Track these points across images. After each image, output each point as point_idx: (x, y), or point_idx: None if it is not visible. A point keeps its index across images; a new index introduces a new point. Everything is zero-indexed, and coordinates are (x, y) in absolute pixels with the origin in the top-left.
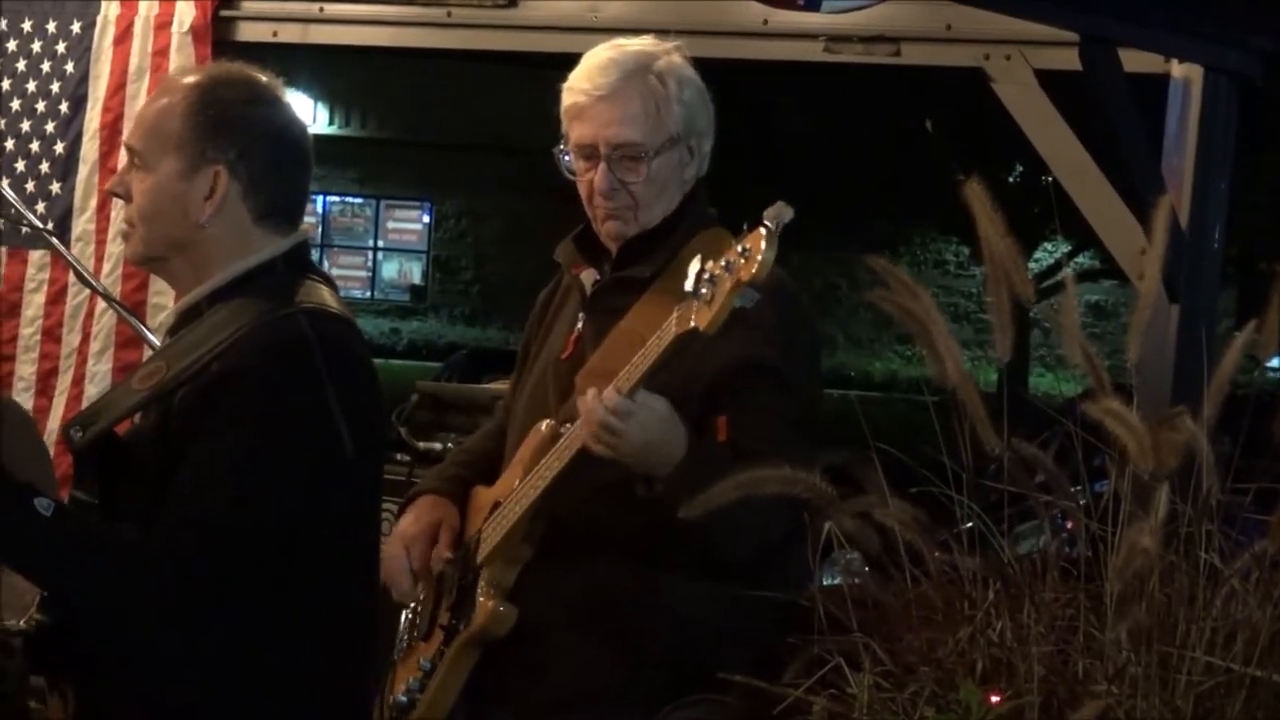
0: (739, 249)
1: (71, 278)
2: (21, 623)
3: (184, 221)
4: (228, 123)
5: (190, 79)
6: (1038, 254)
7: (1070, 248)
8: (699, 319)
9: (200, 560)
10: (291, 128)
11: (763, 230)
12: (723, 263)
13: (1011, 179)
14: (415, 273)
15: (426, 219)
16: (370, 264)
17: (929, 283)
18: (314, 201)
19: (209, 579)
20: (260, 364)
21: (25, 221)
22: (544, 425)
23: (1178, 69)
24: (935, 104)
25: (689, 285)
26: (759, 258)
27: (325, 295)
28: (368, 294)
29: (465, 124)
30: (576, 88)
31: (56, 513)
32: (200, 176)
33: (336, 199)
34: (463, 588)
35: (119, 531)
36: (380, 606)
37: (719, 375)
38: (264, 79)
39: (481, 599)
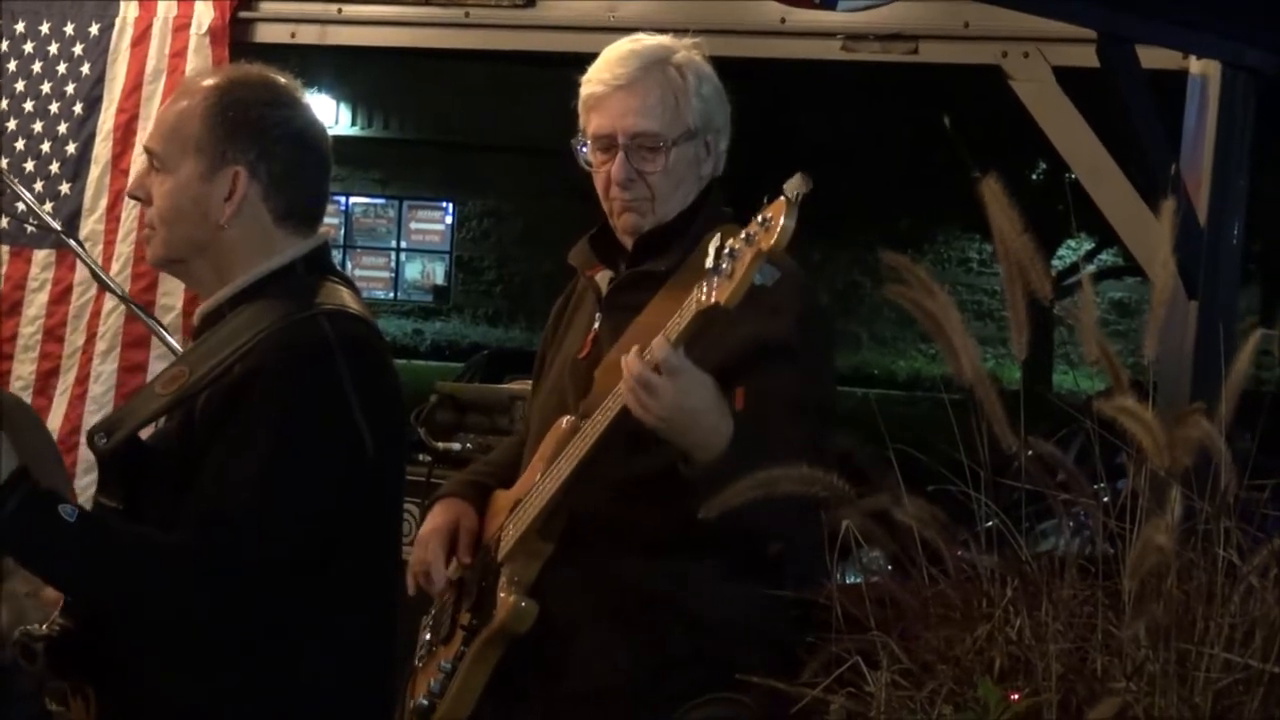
0: (759, 219)
1: (78, 277)
2: (44, 627)
3: (204, 223)
4: (247, 124)
5: (210, 81)
6: (1061, 251)
7: (1093, 245)
8: (719, 294)
9: (222, 558)
10: (311, 129)
11: (782, 200)
12: (743, 235)
13: (1035, 176)
14: (438, 273)
15: (449, 219)
16: (393, 265)
17: (952, 280)
18: (337, 203)
19: (231, 577)
20: (282, 365)
21: (40, 223)
22: (564, 420)
23: (1196, 65)
24: (959, 101)
25: (709, 262)
26: (779, 226)
27: (346, 297)
28: (391, 295)
29: (488, 125)
30: (595, 78)
31: (80, 519)
32: (220, 178)
33: (359, 200)
34: (483, 588)
35: (143, 534)
36: (401, 608)
37: (734, 355)
38: (283, 80)
39: (502, 595)
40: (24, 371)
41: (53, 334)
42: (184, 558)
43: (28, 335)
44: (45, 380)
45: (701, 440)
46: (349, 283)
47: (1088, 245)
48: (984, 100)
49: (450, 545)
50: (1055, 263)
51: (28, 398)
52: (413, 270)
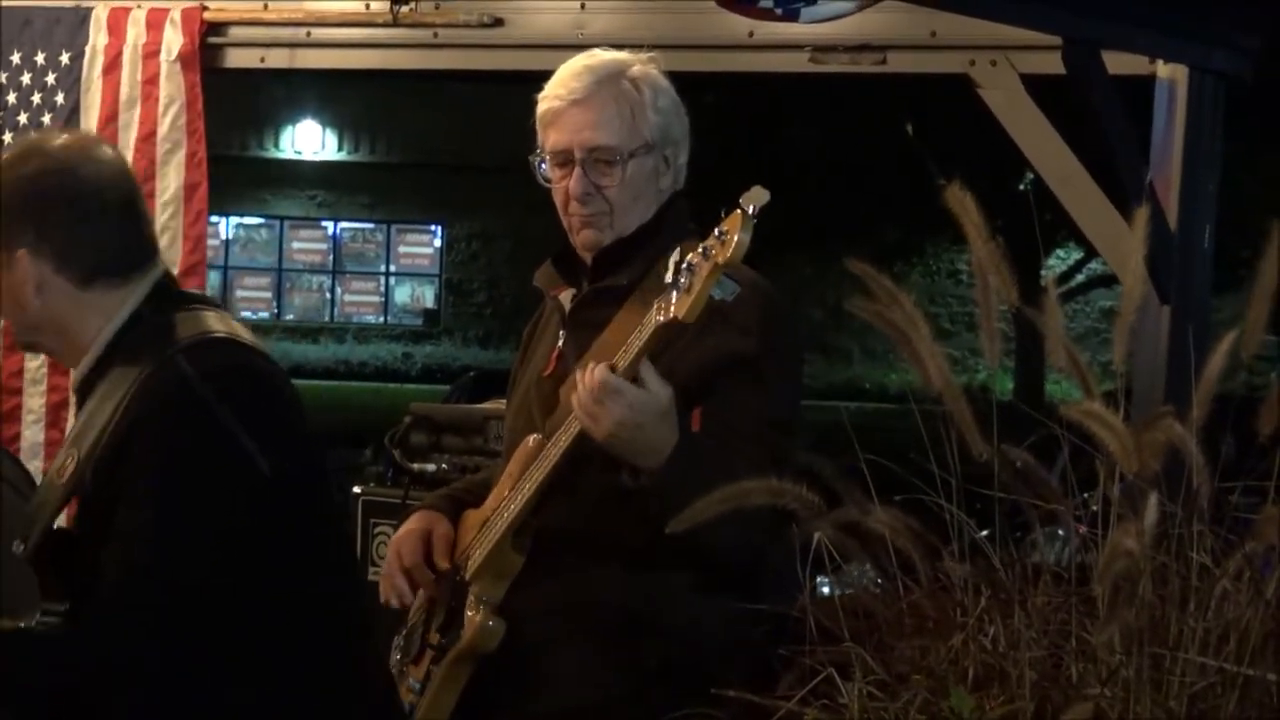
0: (716, 233)
1: None
2: None
3: (22, 309)
4: (18, 206)
5: None
6: (1051, 261)
7: (1083, 254)
8: (678, 309)
9: (147, 624)
10: (87, 188)
11: (738, 214)
12: (700, 250)
13: (1023, 186)
14: (428, 296)
15: (438, 242)
16: (383, 289)
17: (942, 292)
18: (325, 228)
19: (161, 638)
20: (146, 422)
21: None
22: (531, 439)
23: (1163, 69)
24: (943, 110)
25: (668, 277)
26: (735, 240)
27: (205, 320)
28: (380, 319)
29: (474, 146)
30: (551, 94)
31: None
32: (15, 266)
33: (347, 225)
34: (451, 607)
35: (41, 632)
36: (364, 606)
37: (698, 370)
38: (57, 143)
39: (470, 614)
40: (34, 405)
41: (58, 366)
42: (85, 645)
43: (34, 369)
44: (55, 413)
45: (640, 454)
46: (208, 301)
47: (1077, 254)
48: (968, 108)
49: (426, 549)
50: (1044, 272)
51: (40, 430)
52: (402, 294)
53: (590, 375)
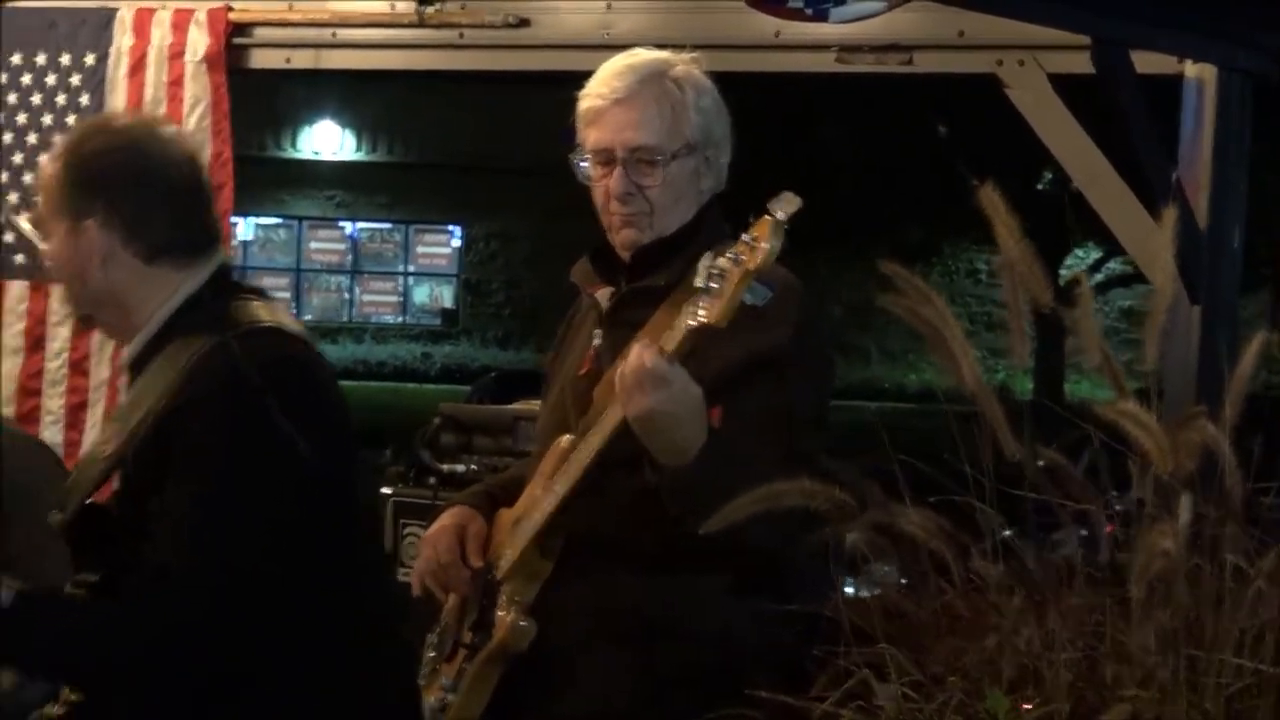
0: (746, 239)
1: None
2: (58, 708)
3: (84, 281)
4: (89, 179)
5: (63, 141)
6: (1070, 260)
7: (1102, 253)
8: (709, 313)
9: (177, 614)
10: (155, 164)
11: (768, 220)
12: (730, 255)
13: (1041, 186)
14: (446, 296)
15: (456, 242)
16: (401, 289)
17: (962, 292)
18: (343, 228)
19: (214, 619)
20: (201, 401)
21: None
22: (564, 439)
23: (1191, 69)
24: (965, 110)
25: (699, 281)
26: (764, 246)
27: (256, 310)
28: (399, 319)
29: (493, 147)
30: (593, 92)
31: (18, 602)
32: (82, 236)
33: (366, 225)
34: (484, 607)
35: (92, 606)
36: (393, 608)
37: (726, 366)
38: (125, 122)
39: (501, 614)
40: (53, 406)
41: (78, 367)
42: (143, 616)
43: (54, 370)
44: (75, 414)
45: (673, 445)
46: (261, 294)
47: (1096, 254)
48: (991, 109)
49: (460, 545)
50: (1064, 272)
51: (59, 431)
52: (421, 294)
53: (641, 357)
